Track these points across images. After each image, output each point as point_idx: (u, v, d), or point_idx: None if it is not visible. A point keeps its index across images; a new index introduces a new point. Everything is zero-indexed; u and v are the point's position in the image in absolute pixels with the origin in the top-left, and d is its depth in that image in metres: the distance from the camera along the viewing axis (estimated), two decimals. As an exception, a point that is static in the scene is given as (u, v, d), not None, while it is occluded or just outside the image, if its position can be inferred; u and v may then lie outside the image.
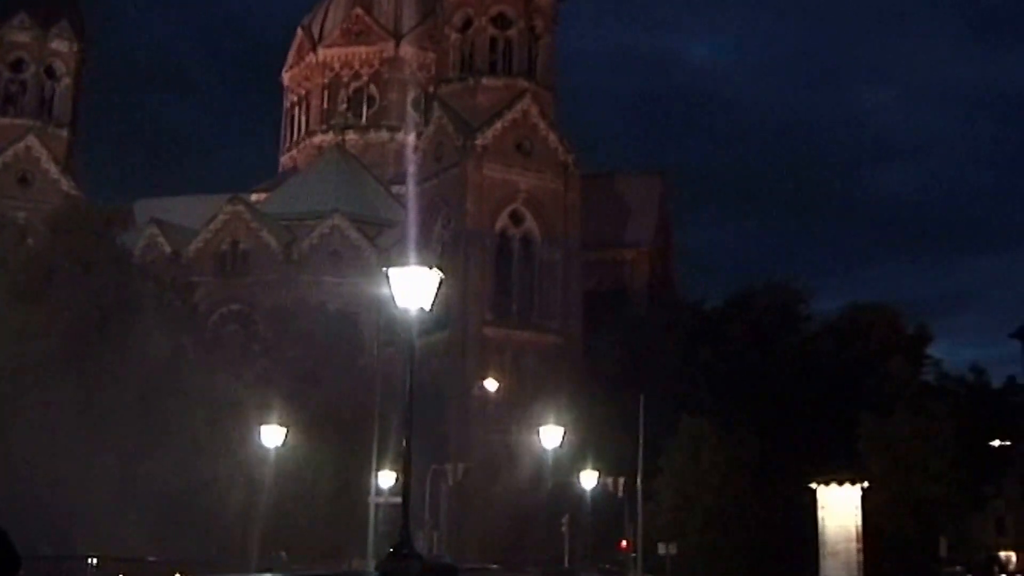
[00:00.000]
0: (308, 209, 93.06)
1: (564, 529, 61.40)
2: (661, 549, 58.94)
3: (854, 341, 71.61)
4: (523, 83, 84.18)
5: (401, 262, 19.45)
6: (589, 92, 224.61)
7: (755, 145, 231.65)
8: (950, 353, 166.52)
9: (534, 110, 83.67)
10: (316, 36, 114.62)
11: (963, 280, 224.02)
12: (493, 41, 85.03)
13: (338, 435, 63.93)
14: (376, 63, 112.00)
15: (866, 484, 53.27)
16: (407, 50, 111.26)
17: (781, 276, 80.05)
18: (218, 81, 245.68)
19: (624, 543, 64.32)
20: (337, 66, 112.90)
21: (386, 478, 57.04)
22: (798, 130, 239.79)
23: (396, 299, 19.34)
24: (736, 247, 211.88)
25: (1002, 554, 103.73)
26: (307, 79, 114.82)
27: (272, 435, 45.29)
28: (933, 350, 78.89)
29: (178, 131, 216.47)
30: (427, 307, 19.57)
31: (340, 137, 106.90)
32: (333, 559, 59.55)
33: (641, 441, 57.95)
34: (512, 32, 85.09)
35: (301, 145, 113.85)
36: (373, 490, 57.69)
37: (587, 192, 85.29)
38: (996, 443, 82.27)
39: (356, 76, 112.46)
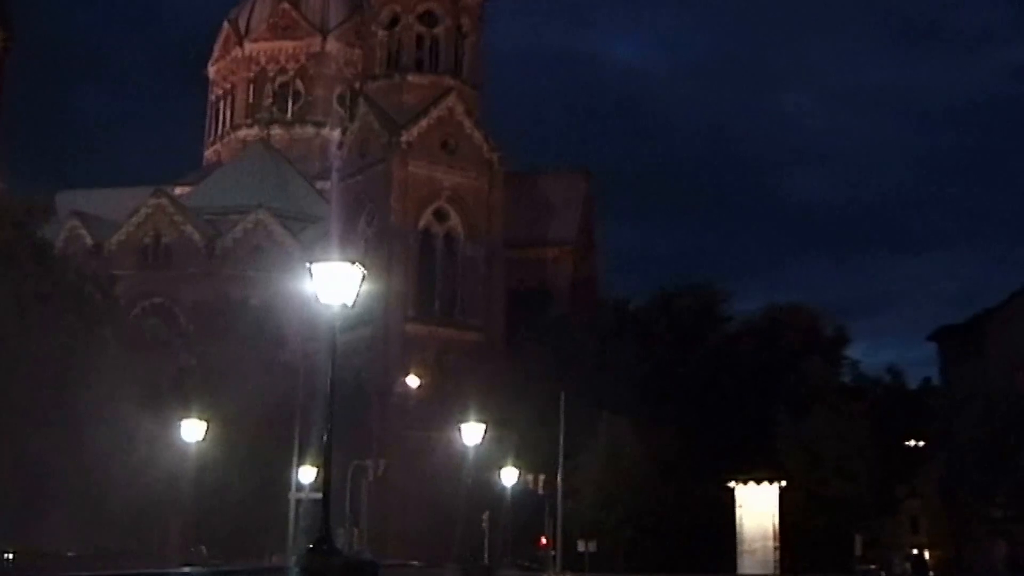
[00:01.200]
0: (232, 203, 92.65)
1: (484, 526, 61.59)
2: (580, 546, 59.30)
3: (773, 342, 72.38)
4: (449, 81, 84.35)
5: (324, 258, 19.52)
6: (515, 91, 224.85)
7: (679, 145, 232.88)
8: (868, 354, 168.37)
9: (460, 108, 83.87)
10: (243, 30, 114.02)
11: (882, 282, 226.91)
12: (420, 39, 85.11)
13: (259, 430, 63.75)
14: (302, 58, 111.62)
15: (783, 483, 54.00)
16: (334, 46, 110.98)
17: (702, 276, 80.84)
18: (143, 73, 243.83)
19: (544, 540, 64.60)
20: (263, 60, 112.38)
21: (307, 473, 56.97)
22: (722, 131, 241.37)
23: (319, 295, 19.44)
24: (659, 247, 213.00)
25: (915, 552, 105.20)
26: (233, 73, 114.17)
27: (192, 430, 45.08)
28: (851, 351, 79.99)
29: (102, 123, 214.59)
30: (350, 303, 19.68)
31: (265, 132, 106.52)
32: (253, 554, 59.51)
33: (562, 439, 58.30)
34: (439, 30, 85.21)
35: (226, 139, 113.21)
36: (294, 485, 57.65)
37: (511, 190, 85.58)
38: (911, 443, 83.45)
39: (282, 71, 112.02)
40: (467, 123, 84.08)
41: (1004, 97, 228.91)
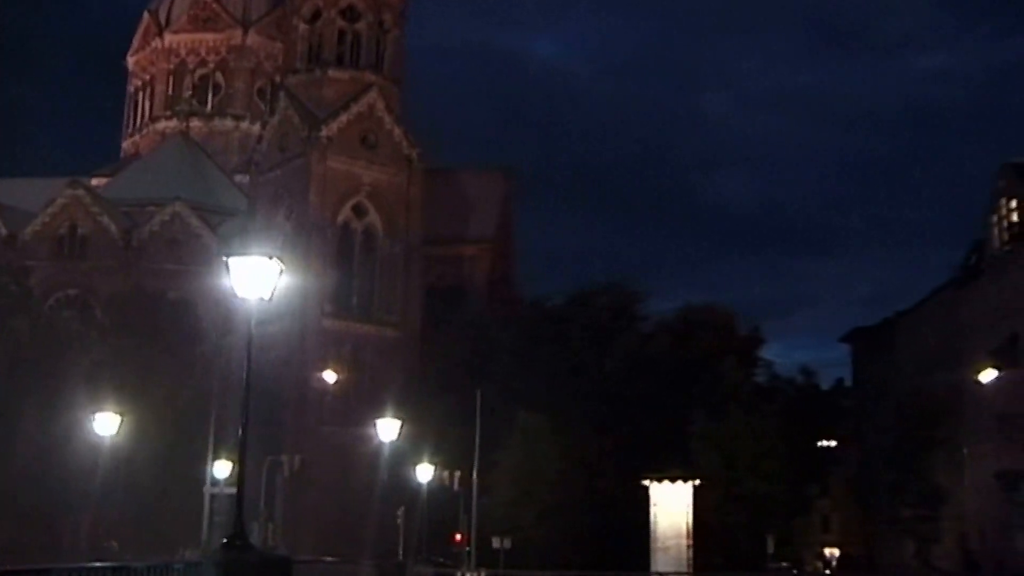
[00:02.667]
0: (149, 195, 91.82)
1: (399, 522, 61.61)
2: (495, 543, 59.51)
3: (689, 341, 72.97)
4: (370, 76, 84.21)
5: (242, 252, 19.56)
6: (437, 88, 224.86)
7: (600, 144, 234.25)
8: (783, 355, 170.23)
9: (380, 104, 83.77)
10: (163, 21, 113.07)
11: (797, 284, 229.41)
12: (342, 33, 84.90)
13: (175, 424, 63.34)
14: (223, 51, 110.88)
15: (697, 481, 54.44)
16: (255, 39, 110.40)
17: (621, 276, 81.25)
18: (61, 62, 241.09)
19: (458, 536, 64.75)
20: (183, 52, 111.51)
21: (222, 468, 56.72)
22: (643, 131, 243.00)
23: (236, 289, 19.47)
24: (578, 245, 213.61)
25: (826, 551, 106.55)
26: (152, 64, 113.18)
27: (106, 423, 44.79)
28: (766, 352, 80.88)
29: (18, 111, 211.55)
30: (267, 297, 19.74)
31: (184, 124, 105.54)
32: (167, 549, 59.04)
33: (478, 435, 58.47)
34: (361, 25, 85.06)
35: (144, 131, 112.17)
36: (208, 480, 57.37)
37: (430, 187, 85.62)
38: (824, 443, 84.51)
39: (202, 63, 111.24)
40: (387, 119, 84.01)
41: (923, 102, 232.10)
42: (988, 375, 65.51)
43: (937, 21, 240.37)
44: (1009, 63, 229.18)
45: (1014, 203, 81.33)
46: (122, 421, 45.67)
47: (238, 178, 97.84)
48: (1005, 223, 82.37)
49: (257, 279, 19.32)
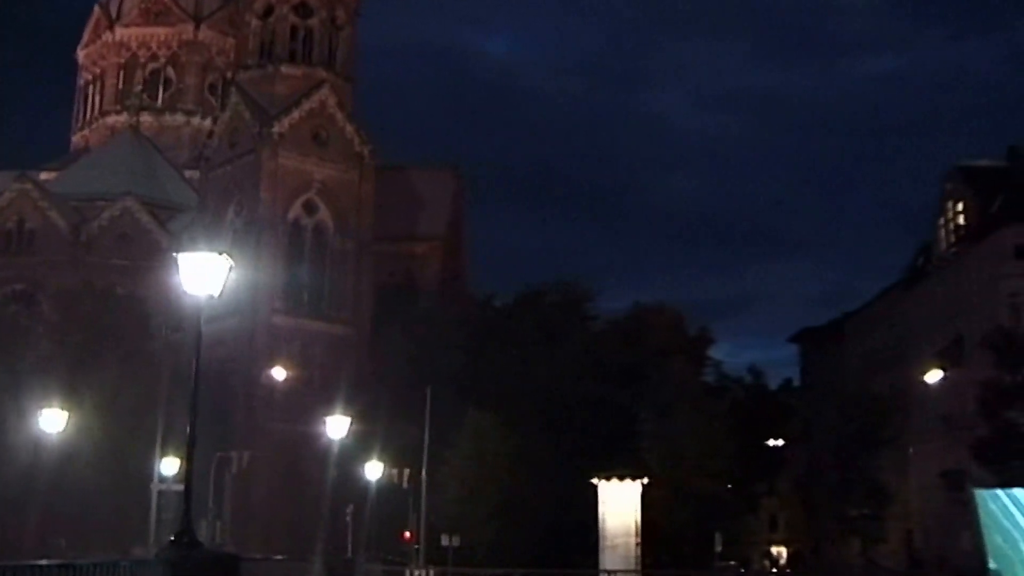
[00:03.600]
0: (99, 190, 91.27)
1: (348, 519, 61.58)
2: (444, 541, 59.46)
3: (638, 341, 73.17)
4: (322, 73, 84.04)
5: (191, 247, 19.53)
6: (389, 85, 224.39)
7: (552, 143, 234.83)
8: (732, 355, 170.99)
9: (332, 100, 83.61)
10: (114, 14, 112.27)
11: (747, 284, 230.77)
12: (294, 30, 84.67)
13: (123, 421, 62.97)
14: (174, 45, 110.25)
15: (646, 480, 54.62)
16: (207, 34, 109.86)
17: (571, 274, 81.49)
18: (11, 55, 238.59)
19: (407, 534, 64.75)
20: (134, 46, 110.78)
21: (170, 465, 56.44)
22: (594, 130, 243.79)
23: (185, 285, 19.42)
24: (529, 244, 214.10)
25: (773, 550, 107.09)
26: (103, 58, 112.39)
27: (53, 419, 44.45)
28: (715, 351, 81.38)
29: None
30: (216, 293, 19.71)
31: (135, 118, 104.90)
32: (114, 547, 58.70)
33: (427, 433, 58.43)
34: (313, 21, 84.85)
35: (94, 125, 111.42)
36: (156, 477, 57.07)
37: (381, 184, 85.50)
38: (771, 443, 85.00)
39: (153, 57, 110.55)
40: (339, 116, 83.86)
41: (872, 105, 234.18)
42: (934, 376, 66.19)
43: (886, 25, 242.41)
44: (957, 67, 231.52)
45: (961, 206, 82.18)
46: (69, 417, 45.37)
47: (188, 174, 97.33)
48: (952, 226, 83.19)
49: (207, 275, 19.28)
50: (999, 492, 31.59)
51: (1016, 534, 29.40)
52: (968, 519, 31.51)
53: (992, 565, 29.82)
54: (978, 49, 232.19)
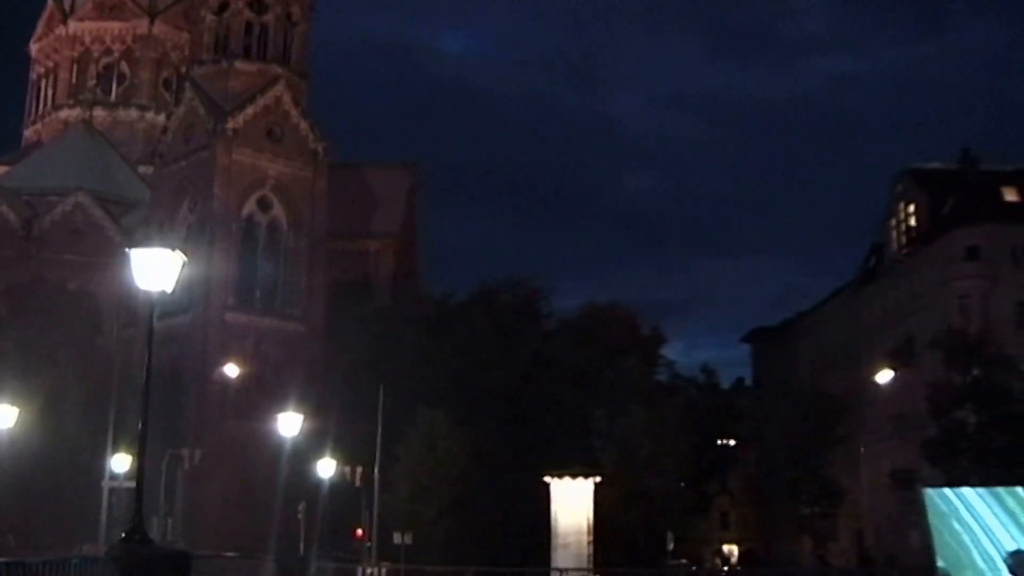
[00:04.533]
0: (51, 185, 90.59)
1: (300, 517, 61.43)
2: (396, 538, 59.43)
3: (591, 339, 73.38)
4: (277, 69, 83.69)
5: (144, 243, 19.44)
6: (344, 81, 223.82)
7: (507, 141, 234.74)
8: (684, 354, 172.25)
9: (287, 97, 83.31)
10: (67, 8, 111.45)
11: (700, 283, 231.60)
12: (249, 25, 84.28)
13: (74, 417, 62.73)
14: (128, 40, 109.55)
15: (598, 478, 54.73)
16: (161, 28, 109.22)
17: (524, 273, 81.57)
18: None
19: (360, 532, 64.67)
20: (88, 40, 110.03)
21: (121, 462, 56.21)
22: (549, 129, 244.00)
23: (138, 281, 19.33)
24: (485, 242, 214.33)
25: (725, 548, 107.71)
26: (56, 51, 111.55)
27: (2, 415, 44.16)
28: (668, 351, 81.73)
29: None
30: (169, 290, 19.64)
31: (88, 113, 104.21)
32: (65, 544, 58.38)
33: (380, 431, 58.39)
34: (268, 17, 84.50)
35: (47, 119, 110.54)
36: (107, 474, 56.82)
37: (336, 181, 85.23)
38: (723, 442, 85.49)
39: (107, 52, 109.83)
40: (294, 112, 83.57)
41: (824, 106, 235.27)
42: (885, 376, 66.72)
43: (841, 26, 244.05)
44: (911, 69, 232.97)
45: (912, 208, 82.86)
46: (19, 413, 45.07)
47: (142, 169, 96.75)
48: (903, 227, 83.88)
49: (159, 271, 19.20)
50: (947, 491, 31.90)
51: (963, 533, 29.69)
52: (917, 518, 31.75)
53: (940, 563, 30.10)
54: (932, 51, 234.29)
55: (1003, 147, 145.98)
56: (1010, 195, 78.20)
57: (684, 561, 76.47)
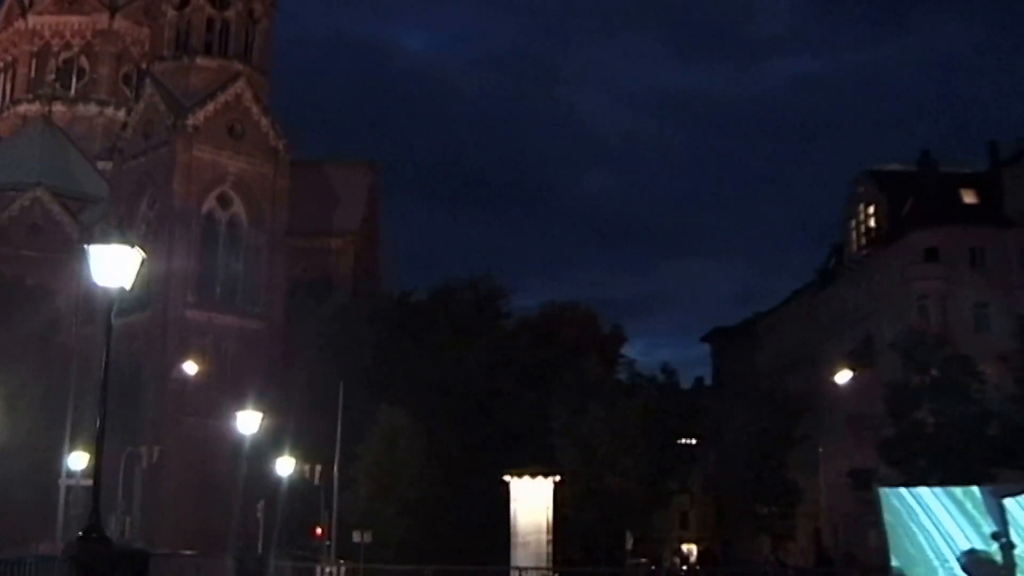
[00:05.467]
0: (9, 180, 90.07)
1: (260, 515, 61.23)
2: (356, 537, 59.29)
3: (551, 338, 73.53)
4: (238, 66, 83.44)
5: (103, 239, 19.29)
6: (305, 78, 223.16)
7: (469, 139, 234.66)
8: (645, 353, 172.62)
9: (248, 94, 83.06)
10: (27, 2, 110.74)
11: (661, 283, 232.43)
12: (210, 21, 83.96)
13: (31, 414, 62.27)
14: (88, 34, 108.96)
15: (558, 477, 54.75)
16: (121, 23, 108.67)
17: (484, 272, 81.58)
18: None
19: (319, 530, 64.53)
20: (47, 34, 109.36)
21: (79, 459, 55.88)
22: (511, 126, 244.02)
23: (96, 277, 19.21)
24: (445, 240, 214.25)
25: (684, 547, 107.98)
26: (15, 45, 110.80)
27: (-41, 412, 43.91)
28: (628, 350, 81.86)
29: None
30: (128, 286, 19.52)
31: (47, 108, 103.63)
32: (20, 543, 57.98)
33: (339, 429, 58.27)
34: (230, 13, 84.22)
35: (5, 114, 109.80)
36: (64, 472, 56.48)
37: (297, 179, 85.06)
38: (683, 441, 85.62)
39: (67, 46, 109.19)
40: (255, 109, 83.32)
41: (785, 106, 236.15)
42: (843, 376, 66.92)
43: (804, 27, 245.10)
44: (873, 70, 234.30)
45: (872, 209, 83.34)
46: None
47: (101, 165, 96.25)
48: (863, 228, 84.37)
49: (118, 268, 19.06)
50: (902, 491, 32.07)
51: (918, 532, 29.85)
52: (875, 517, 31.91)
53: (894, 563, 30.25)
54: (894, 53, 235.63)
55: (962, 149, 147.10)
56: (969, 197, 78.73)
57: (643, 560, 76.57)
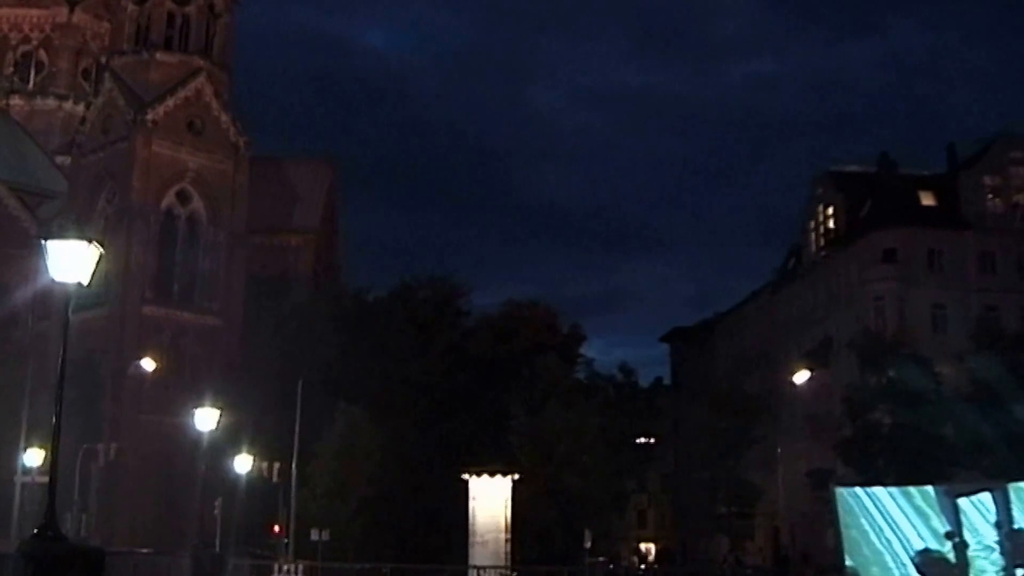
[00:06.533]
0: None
1: (217, 513, 61.03)
2: (314, 535, 59.24)
3: (510, 337, 73.62)
4: (199, 61, 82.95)
5: (61, 234, 19.17)
6: (266, 74, 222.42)
7: (427, 136, 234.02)
8: (604, 353, 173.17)
9: (208, 89, 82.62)
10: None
11: (620, 282, 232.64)
12: (171, 16, 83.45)
13: (-14, 410, 61.82)
14: (47, 28, 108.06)
15: (516, 476, 54.86)
16: (81, 17, 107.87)
17: (443, 269, 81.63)
18: None
19: (277, 528, 64.41)
20: (5, 28, 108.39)
21: (35, 456, 55.57)
22: (471, 123, 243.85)
23: (53, 272, 19.09)
24: (405, 237, 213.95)
25: (642, 546, 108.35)
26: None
27: (-87, 408, 43.58)
28: (587, 349, 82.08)
29: None
30: (85, 282, 19.41)
31: (4, 102, 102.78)
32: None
33: (298, 427, 58.16)
34: (191, 8, 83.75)
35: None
36: (19, 469, 56.15)
37: (257, 175, 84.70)
38: (641, 441, 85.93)
39: (25, 39, 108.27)
40: (215, 105, 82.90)
41: (746, 106, 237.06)
42: (801, 376, 67.39)
43: (764, 27, 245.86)
44: (834, 71, 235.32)
45: (831, 210, 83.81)
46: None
47: (60, 159, 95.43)
48: (822, 229, 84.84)
49: (76, 263, 18.93)
50: (858, 490, 32.19)
51: (872, 532, 29.98)
52: (832, 517, 32.05)
53: (848, 562, 30.37)
54: (855, 54, 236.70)
55: (921, 151, 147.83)
56: (927, 199, 79.32)
57: (602, 559, 76.86)
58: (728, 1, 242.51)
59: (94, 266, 19.14)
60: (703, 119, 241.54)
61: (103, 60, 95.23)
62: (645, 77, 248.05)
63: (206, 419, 46.74)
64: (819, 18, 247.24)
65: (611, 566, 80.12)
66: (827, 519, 43.82)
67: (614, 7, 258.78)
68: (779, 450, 72.52)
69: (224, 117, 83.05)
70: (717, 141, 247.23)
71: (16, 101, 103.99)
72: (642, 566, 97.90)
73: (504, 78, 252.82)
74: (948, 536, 29.25)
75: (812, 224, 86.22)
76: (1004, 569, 28.57)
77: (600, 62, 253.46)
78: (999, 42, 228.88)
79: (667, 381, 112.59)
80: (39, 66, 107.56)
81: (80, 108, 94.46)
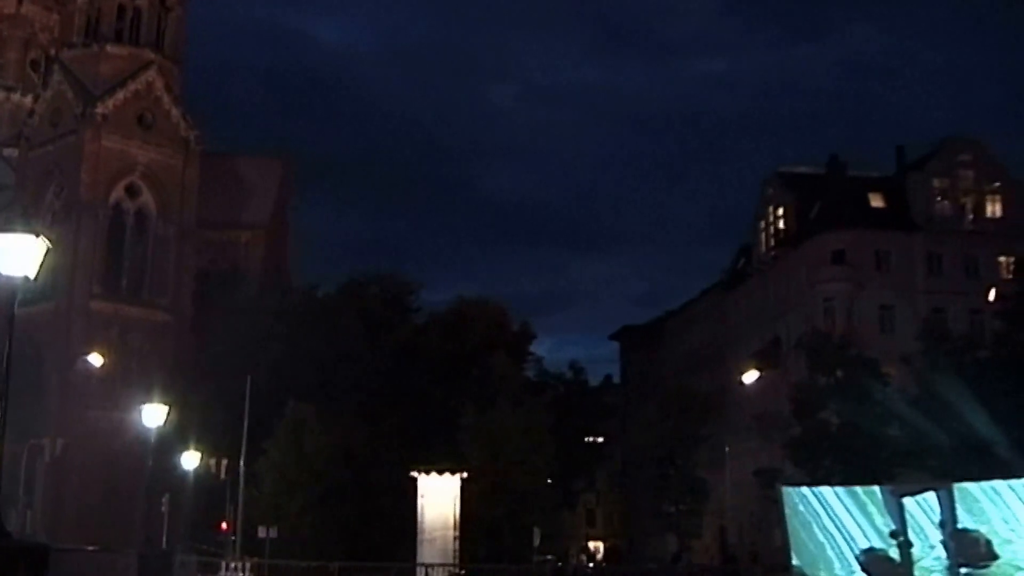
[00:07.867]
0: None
1: (164, 509, 60.70)
2: (261, 532, 59.03)
3: (460, 334, 73.60)
4: (149, 54, 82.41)
5: (7, 228, 19.01)
6: (218, 68, 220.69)
7: (381, 131, 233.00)
8: (554, 351, 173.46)
9: (159, 83, 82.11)
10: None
11: (572, 280, 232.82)
12: (121, 8, 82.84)
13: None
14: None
15: (465, 474, 54.86)
16: (30, 8, 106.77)
17: (393, 266, 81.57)
18: None
19: (224, 525, 64.10)
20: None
21: (-21, 451, 54.99)
22: (425, 119, 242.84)
23: (-2, 266, 18.93)
24: (357, 234, 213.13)
25: (591, 544, 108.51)
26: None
27: None
28: (537, 347, 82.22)
29: None
30: (32, 276, 19.26)
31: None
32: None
33: (246, 423, 57.90)
34: (142, 1, 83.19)
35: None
36: (-37, 464, 55.52)
37: (207, 171, 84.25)
38: (590, 439, 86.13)
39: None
40: (166, 99, 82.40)
41: (698, 106, 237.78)
42: (750, 376, 67.76)
43: (719, 26, 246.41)
44: (787, 72, 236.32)
45: (781, 211, 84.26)
46: None
47: (7, 152, 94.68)
48: (772, 229, 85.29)
49: (22, 257, 18.77)
50: (805, 490, 32.33)
51: (819, 532, 30.11)
52: (779, 516, 32.19)
53: (795, 561, 30.49)
54: (808, 55, 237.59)
55: (873, 152, 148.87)
56: (876, 201, 79.88)
57: (550, 557, 76.83)
58: (683, 2, 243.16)
59: (41, 260, 18.99)
60: (657, 118, 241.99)
61: (52, 52, 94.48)
62: (599, 75, 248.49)
63: (154, 415, 46.46)
64: (774, 20, 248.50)
65: (559, 564, 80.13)
66: (775, 518, 44.08)
67: (571, 5, 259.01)
68: (727, 449, 72.79)
69: (175, 111, 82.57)
70: (670, 140, 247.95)
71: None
72: (590, 564, 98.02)
73: (460, 74, 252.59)
74: (893, 535, 29.42)
75: (763, 224, 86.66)
76: (948, 568, 28.78)
77: (555, 59, 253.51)
78: (951, 45, 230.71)
79: (617, 379, 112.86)
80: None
81: (28, 100, 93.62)
